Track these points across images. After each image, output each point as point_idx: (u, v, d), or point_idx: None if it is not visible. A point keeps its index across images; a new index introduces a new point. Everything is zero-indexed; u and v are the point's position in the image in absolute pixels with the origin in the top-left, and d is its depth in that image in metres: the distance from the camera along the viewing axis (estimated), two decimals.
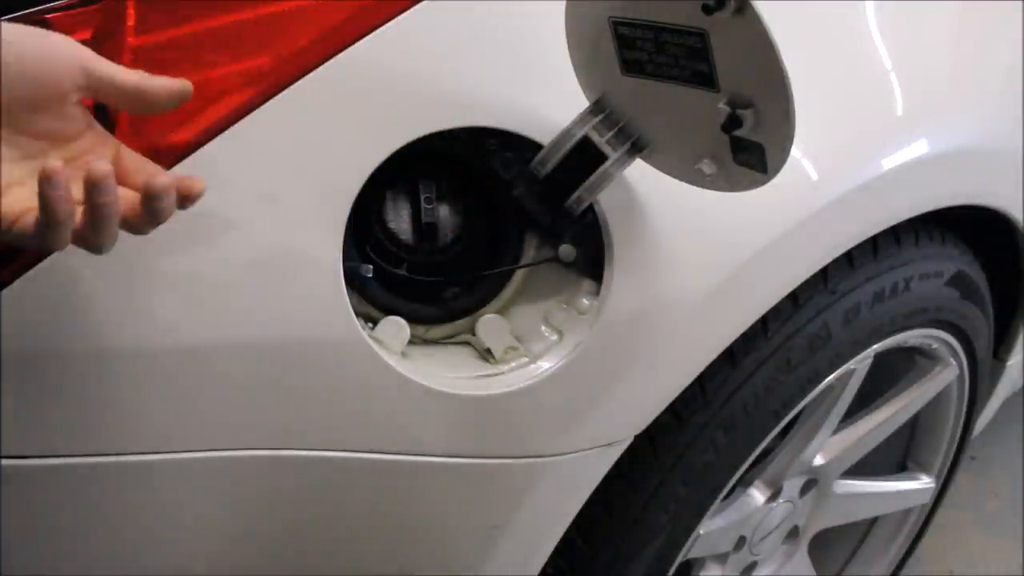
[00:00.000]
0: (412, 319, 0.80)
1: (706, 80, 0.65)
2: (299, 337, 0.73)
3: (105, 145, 0.61)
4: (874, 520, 1.44)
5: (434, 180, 0.80)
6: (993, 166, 1.09)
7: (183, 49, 0.69)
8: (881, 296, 1.03)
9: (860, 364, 1.09)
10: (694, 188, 0.74)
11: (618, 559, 0.98)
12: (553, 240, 0.82)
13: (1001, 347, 1.40)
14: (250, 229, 0.70)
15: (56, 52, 0.57)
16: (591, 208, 0.78)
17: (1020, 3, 1.12)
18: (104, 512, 0.76)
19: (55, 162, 0.52)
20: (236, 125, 0.69)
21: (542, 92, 0.77)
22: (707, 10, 0.60)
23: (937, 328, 1.17)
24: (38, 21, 0.68)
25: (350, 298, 0.74)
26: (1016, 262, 1.26)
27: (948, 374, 1.26)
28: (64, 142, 0.59)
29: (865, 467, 1.27)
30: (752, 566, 1.25)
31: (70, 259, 0.65)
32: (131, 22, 0.68)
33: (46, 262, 0.66)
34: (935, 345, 1.21)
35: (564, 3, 0.70)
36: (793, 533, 1.27)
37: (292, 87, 0.70)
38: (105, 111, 0.65)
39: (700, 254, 0.83)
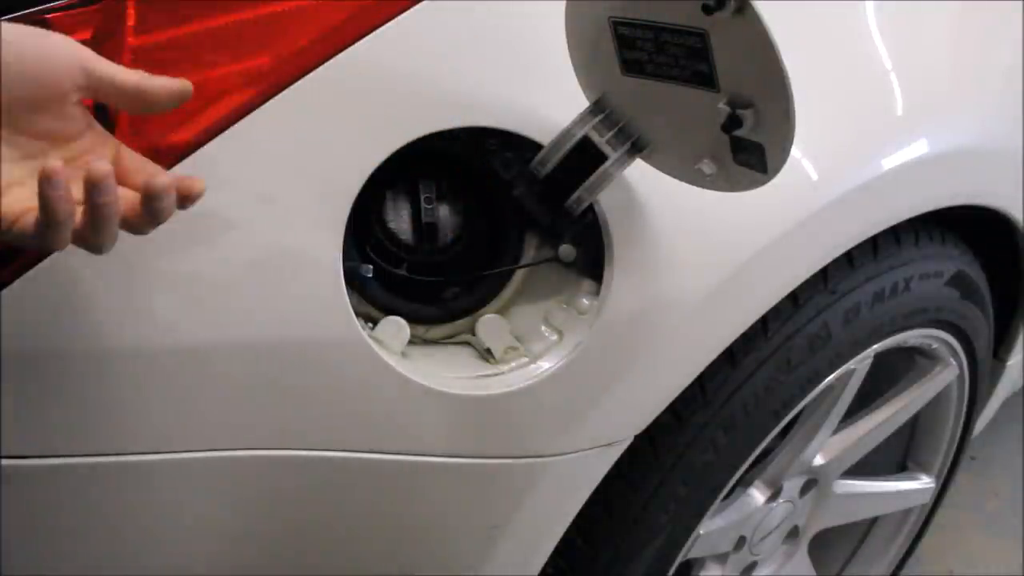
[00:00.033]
0: (412, 319, 0.80)
1: (706, 80, 0.65)
2: (299, 337, 0.73)
3: (105, 145, 0.61)
4: (874, 520, 1.44)
5: (434, 180, 0.80)
6: (993, 166, 1.09)
7: (183, 49, 0.69)
8: (881, 296, 1.03)
9: (860, 364, 1.09)
10: (694, 188, 0.74)
11: (618, 559, 0.98)
12: (553, 240, 0.82)
13: (1001, 347, 1.40)
14: (250, 229, 0.70)
15: (56, 52, 0.57)
16: (591, 208, 0.78)
17: (1020, 3, 1.12)
18: (104, 512, 0.76)
19: (55, 162, 0.52)
20: (236, 125, 0.69)
21: (542, 92, 0.77)
22: (707, 10, 0.60)
23: (937, 328, 1.17)
24: (38, 21, 0.68)
25: (350, 298, 0.74)
26: (1016, 262, 1.26)
27: (948, 374, 1.26)
28: (64, 142, 0.59)
29: (865, 467, 1.27)
30: (752, 566, 1.25)
31: (70, 259, 0.65)
32: (131, 22, 0.68)
33: (46, 262, 0.66)
34: (935, 345, 1.21)
35: (564, 3, 0.70)
36: (793, 533, 1.27)
37: (292, 87, 0.70)
38: (105, 111, 0.65)
39: (700, 254, 0.83)
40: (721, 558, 1.18)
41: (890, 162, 0.94)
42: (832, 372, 1.04)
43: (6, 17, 0.66)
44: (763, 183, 0.69)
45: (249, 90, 0.69)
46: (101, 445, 0.72)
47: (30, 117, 0.57)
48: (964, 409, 1.35)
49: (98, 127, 0.61)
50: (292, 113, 0.70)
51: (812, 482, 1.22)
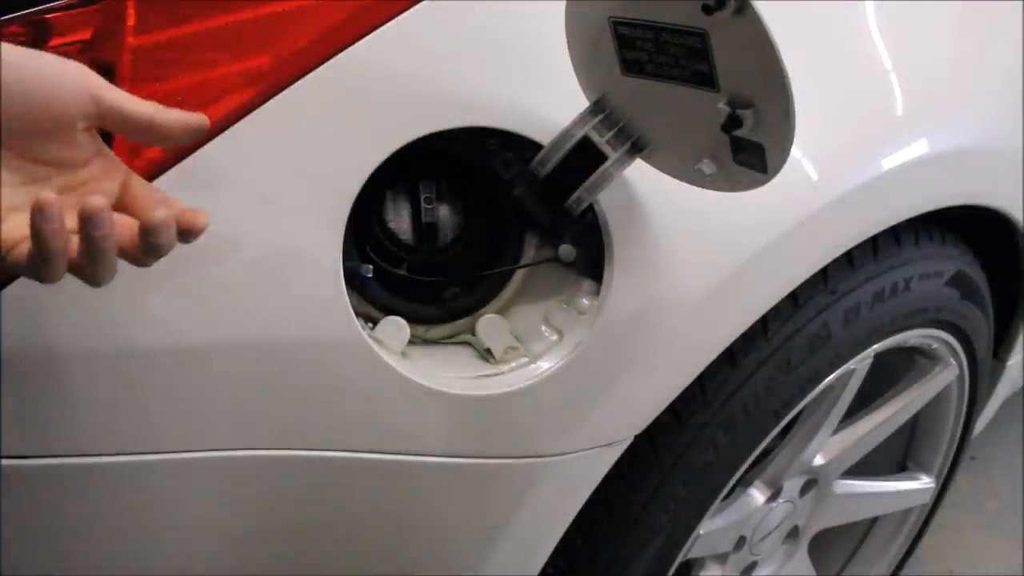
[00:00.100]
0: (412, 319, 0.80)
1: (706, 80, 0.65)
2: (299, 337, 0.73)
3: (114, 172, 0.59)
4: (874, 520, 1.44)
5: (434, 180, 0.80)
6: (993, 166, 1.09)
7: (183, 49, 0.69)
8: (881, 296, 1.03)
9: (860, 364, 1.09)
10: (694, 188, 0.74)
11: (618, 559, 0.98)
12: (553, 240, 0.82)
13: (1001, 347, 1.40)
14: (250, 229, 0.70)
15: (62, 78, 0.55)
16: (591, 208, 0.78)
17: (1020, 3, 1.12)
18: (104, 512, 0.76)
19: (48, 194, 0.51)
20: (236, 125, 0.69)
21: (542, 92, 0.77)
22: (707, 10, 0.60)
23: (937, 328, 1.17)
24: (38, 21, 0.68)
25: (350, 298, 0.74)
26: (1016, 262, 1.26)
27: (948, 374, 1.26)
28: (70, 169, 0.57)
29: (865, 467, 1.27)
30: (752, 566, 1.25)
31: None
32: (131, 22, 0.68)
33: None
34: (935, 345, 1.21)
35: (564, 3, 0.70)
36: (793, 533, 1.27)
37: (292, 87, 0.70)
38: None
39: (700, 254, 0.83)
40: (721, 558, 1.18)
41: (890, 162, 0.94)
42: (832, 372, 1.04)
43: (6, 17, 0.66)
44: (763, 183, 0.69)
45: (249, 90, 0.69)
46: (101, 445, 0.72)
47: (33, 143, 0.55)
48: (964, 409, 1.35)
49: (108, 154, 0.59)
50: (292, 113, 0.70)
51: (812, 482, 1.22)
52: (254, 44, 0.70)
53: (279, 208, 0.71)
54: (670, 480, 0.96)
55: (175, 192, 0.62)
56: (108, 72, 0.68)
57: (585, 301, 0.83)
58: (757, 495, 1.16)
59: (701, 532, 1.05)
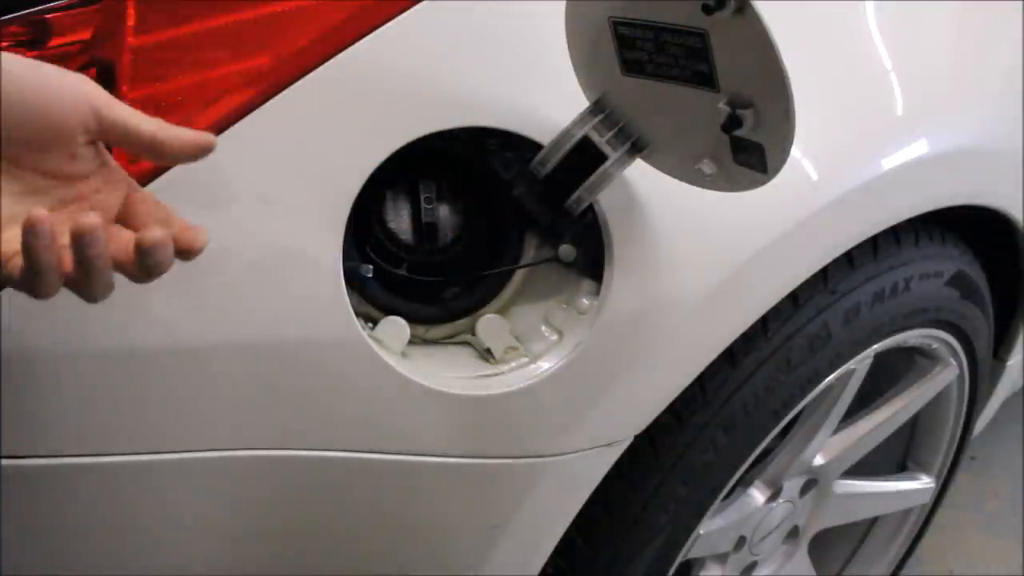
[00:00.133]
0: (412, 319, 0.80)
1: (706, 80, 0.65)
2: (299, 337, 0.73)
3: (117, 185, 0.58)
4: (874, 520, 1.44)
5: (434, 180, 0.80)
6: (993, 166, 1.09)
7: (183, 49, 0.69)
8: (881, 296, 1.03)
9: (860, 364, 1.09)
10: (694, 188, 0.74)
11: (618, 559, 0.98)
12: (553, 240, 0.82)
13: (1001, 347, 1.40)
14: (250, 229, 0.70)
15: (63, 90, 0.54)
16: (591, 208, 0.78)
17: (1020, 3, 1.12)
18: (104, 512, 0.76)
19: (39, 211, 0.50)
20: (236, 125, 0.69)
21: (542, 92, 0.77)
22: (707, 10, 0.60)
23: (937, 328, 1.17)
24: (38, 21, 0.68)
25: (350, 298, 0.74)
26: (1016, 262, 1.26)
27: (948, 374, 1.26)
28: (71, 180, 0.56)
29: (865, 467, 1.27)
30: (752, 566, 1.24)
31: None
32: (131, 22, 0.68)
33: None
34: (935, 345, 1.21)
35: (564, 3, 0.70)
36: (793, 533, 1.27)
37: (292, 87, 0.70)
38: None
39: (700, 254, 0.83)
40: (721, 558, 1.18)
41: (890, 162, 0.94)
42: (832, 372, 1.04)
43: (6, 17, 0.66)
44: (763, 183, 0.69)
45: (249, 90, 0.69)
46: (101, 445, 0.72)
47: (31, 154, 0.54)
48: (964, 409, 1.35)
49: (112, 165, 0.58)
50: (292, 113, 0.70)
51: (812, 482, 1.22)
52: (254, 44, 0.70)
53: (279, 208, 0.71)
54: (670, 480, 0.96)
55: (176, 192, 0.62)
56: (108, 71, 0.68)
57: (585, 301, 0.83)
58: (757, 495, 1.16)
59: (701, 532, 1.05)
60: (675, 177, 0.75)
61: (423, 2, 0.73)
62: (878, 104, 0.96)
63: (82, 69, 0.69)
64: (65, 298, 0.67)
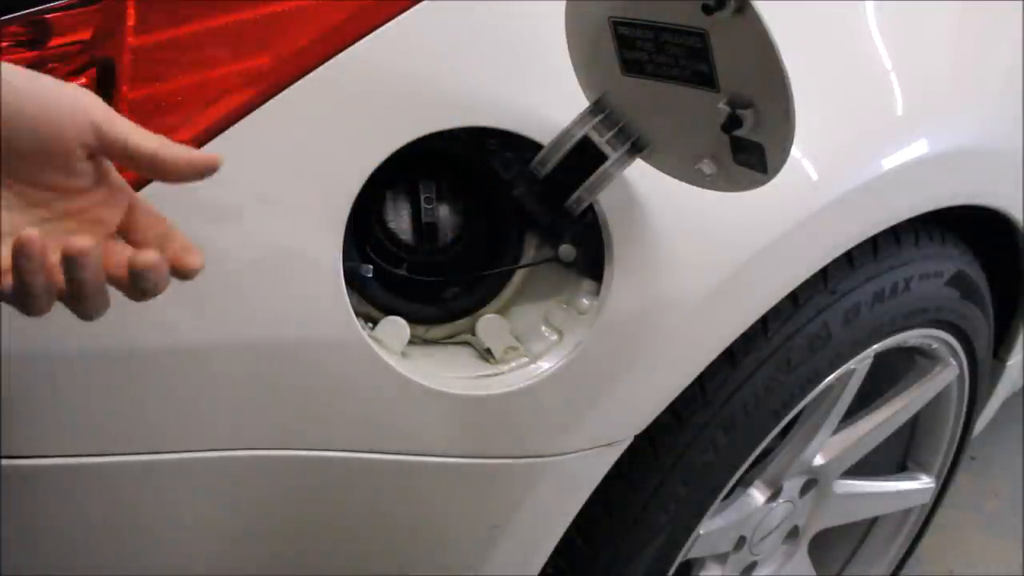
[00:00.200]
0: (412, 319, 0.80)
1: (706, 80, 0.65)
2: (299, 337, 0.73)
3: (119, 199, 0.57)
4: (874, 520, 1.44)
5: (434, 180, 0.80)
6: (993, 166, 1.09)
7: (183, 49, 0.69)
8: (881, 296, 1.03)
9: (860, 364, 1.09)
10: (694, 188, 0.74)
11: (618, 559, 0.98)
12: (553, 240, 0.82)
13: (1001, 347, 1.40)
14: (250, 229, 0.70)
15: (62, 105, 0.53)
16: (591, 208, 0.78)
17: (1020, 3, 1.12)
18: (104, 512, 0.76)
19: (30, 231, 0.49)
20: (236, 125, 0.69)
21: (542, 92, 0.77)
22: (707, 10, 0.60)
23: (937, 328, 1.17)
24: (38, 21, 0.68)
25: (350, 298, 0.74)
26: (1016, 262, 1.26)
27: (948, 374, 1.26)
28: (71, 193, 0.55)
29: (865, 467, 1.27)
30: (752, 566, 1.24)
31: None
32: (131, 22, 0.68)
33: None
34: (935, 345, 1.21)
35: (564, 3, 0.70)
36: (793, 533, 1.27)
37: (292, 87, 0.70)
38: (108, 102, 0.64)
39: (700, 254, 0.83)
40: (721, 558, 1.18)
41: (890, 162, 0.94)
42: (832, 372, 1.04)
43: (6, 17, 0.66)
44: (763, 183, 0.69)
45: (249, 90, 0.69)
46: (101, 445, 0.72)
47: (30, 166, 0.53)
48: (964, 409, 1.35)
49: (114, 179, 0.57)
50: (292, 113, 0.70)
51: (812, 482, 1.22)
52: (254, 44, 0.70)
53: (279, 208, 0.71)
54: (670, 480, 0.96)
55: (175, 192, 0.61)
56: (108, 71, 0.68)
57: (585, 301, 0.83)
58: (757, 495, 1.16)
59: (701, 532, 1.05)
60: (675, 177, 0.75)
61: (423, 2, 0.73)
62: (878, 104, 0.96)
63: (82, 69, 0.69)
64: None
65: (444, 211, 0.81)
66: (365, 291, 0.79)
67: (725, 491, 1.03)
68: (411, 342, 0.80)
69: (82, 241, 0.50)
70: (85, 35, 0.68)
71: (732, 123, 0.65)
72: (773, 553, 1.27)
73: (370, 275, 0.78)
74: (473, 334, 0.84)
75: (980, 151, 1.05)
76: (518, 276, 0.84)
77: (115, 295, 0.57)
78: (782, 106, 0.63)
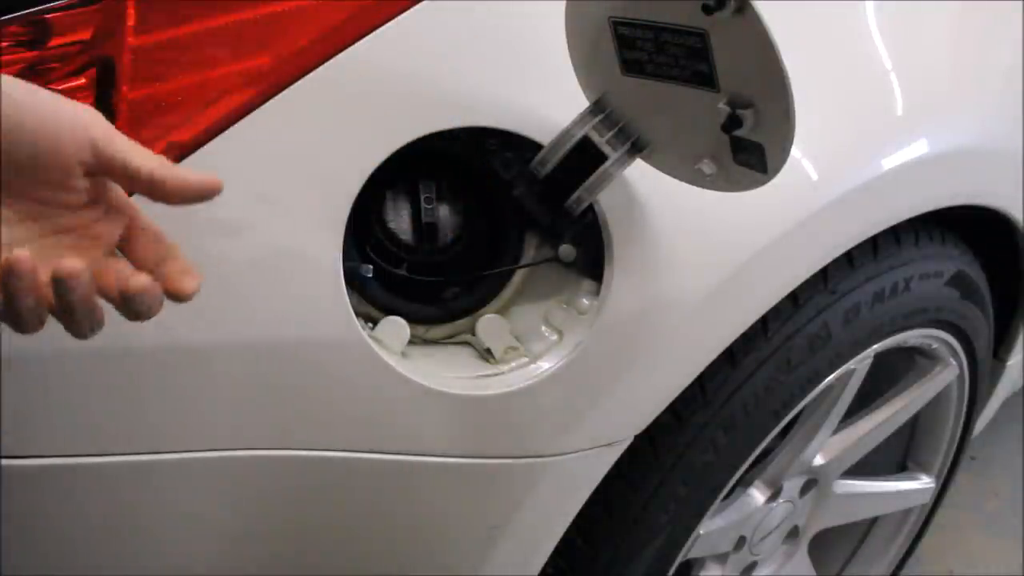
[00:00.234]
0: (412, 319, 0.80)
1: (706, 80, 0.65)
2: (299, 337, 0.73)
3: (120, 215, 0.57)
4: (874, 520, 1.44)
5: (434, 180, 0.80)
6: (993, 166, 1.09)
7: (183, 49, 0.69)
8: (881, 296, 1.03)
9: (860, 364, 1.09)
10: (694, 188, 0.74)
11: (618, 559, 0.98)
12: (553, 240, 0.82)
13: (1001, 347, 1.40)
14: (250, 229, 0.70)
15: (60, 119, 0.52)
16: (591, 208, 0.78)
17: (1020, 3, 1.12)
18: (104, 512, 0.76)
19: (20, 252, 0.49)
20: (236, 125, 0.69)
21: (542, 92, 0.77)
22: (707, 10, 0.60)
23: (937, 328, 1.17)
24: (38, 21, 0.68)
25: (350, 298, 0.74)
26: (1016, 262, 1.26)
27: (948, 374, 1.26)
28: (70, 208, 0.54)
29: (865, 467, 1.27)
30: (752, 566, 1.24)
31: None
32: (131, 22, 0.68)
33: None
34: (935, 345, 1.21)
35: (564, 3, 0.70)
36: (793, 533, 1.27)
37: (292, 87, 0.70)
38: (107, 103, 0.65)
39: (700, 254, 0.83)
40: (721, 558, 1.18)
41: (890, 162, 0.94)
42: (832, 372, 1.04)
43: (6, 17, 0.66)
44: (763, 183, 0.69)
45: (249, 90, 0.69)
46: (101, 445, 0.72)
47: (28, 181, 0.52)
48: (964, 409, 1.35)
49: (115, 195, 0.56)
50: (292, 113, 0.70)
51: (812, 482, 1.22)
52: (254, 44, 0.70)
53: (279, 208, 0.71)
54: (670, 480, 0.96)
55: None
56: (108, 71, 0.68)
57: (585, 301, 0.83)
58: (757, 495, 1.16)
59: (701, 532, 1.05)
60: (675, 177, 0.75)
61: (423, 2, 0.73)
62: (878, 104, 0.96)
63: (82, 69, 0.69)
64: None
65: (444, 211, 0.81)
66: (365, 291, 0.79)
67: (725, 491, 1.03)
68: (411, 342, 0.80)
69: (71, 263, 0.50)
70: (85, 35, 0.68)
71: (732, 123, 0.65)
72: (773, 553, 1.27)
73: (370, 275, 0.78)
74: (473, 334, 0.84)
75: (980, 151, 1.05)
76: (518, 276, 0.84)
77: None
78: (782, 106, 0.63)
